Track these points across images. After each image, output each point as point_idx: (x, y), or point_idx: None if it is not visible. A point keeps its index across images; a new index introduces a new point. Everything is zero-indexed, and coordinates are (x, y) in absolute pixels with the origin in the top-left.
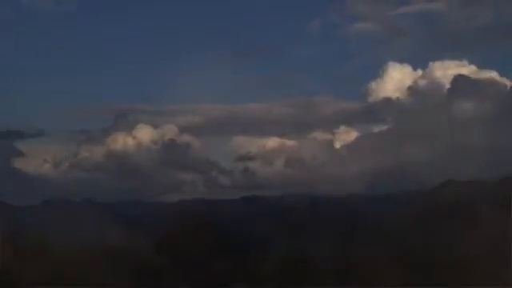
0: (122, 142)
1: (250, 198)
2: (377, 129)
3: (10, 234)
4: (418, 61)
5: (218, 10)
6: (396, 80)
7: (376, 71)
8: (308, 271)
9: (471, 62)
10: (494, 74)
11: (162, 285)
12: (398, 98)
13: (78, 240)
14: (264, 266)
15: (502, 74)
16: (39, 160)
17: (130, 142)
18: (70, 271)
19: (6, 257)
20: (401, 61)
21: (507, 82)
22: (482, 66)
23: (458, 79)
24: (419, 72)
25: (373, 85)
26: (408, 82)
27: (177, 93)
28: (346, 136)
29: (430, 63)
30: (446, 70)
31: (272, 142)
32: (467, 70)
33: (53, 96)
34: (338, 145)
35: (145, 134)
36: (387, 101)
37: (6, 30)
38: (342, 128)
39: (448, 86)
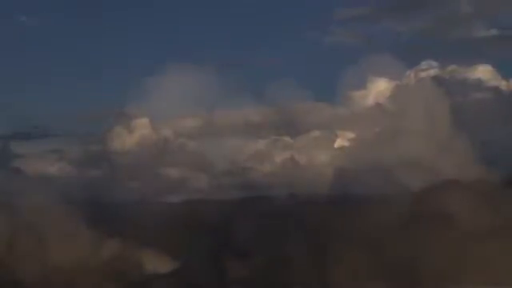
0: (122, 143)
1: (250, 198)
2: (367, 131)
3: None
4: (399, 70)
5: (208, 20)
6: (378, 87)
7: (358, 81)
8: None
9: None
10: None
11: None
12: (382, 104)
13: (78, 241)
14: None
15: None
16: (41, 160)
17: (131, 143)
18: (67, 274)
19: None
20: (382, 70)
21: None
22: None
23: (437, 80)
24: (401, 80)
25: (356, 93)
26: (390, 89)
27: (174, 96)
28: (341, 137)
29: (408, 71)
30: (425, 74)
31: (269, 144)
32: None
33: (53, 99)
34: (334, 145)
35: (145, 135)
36: (373, 107)
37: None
38: (337, 130)
39: (428, 87)
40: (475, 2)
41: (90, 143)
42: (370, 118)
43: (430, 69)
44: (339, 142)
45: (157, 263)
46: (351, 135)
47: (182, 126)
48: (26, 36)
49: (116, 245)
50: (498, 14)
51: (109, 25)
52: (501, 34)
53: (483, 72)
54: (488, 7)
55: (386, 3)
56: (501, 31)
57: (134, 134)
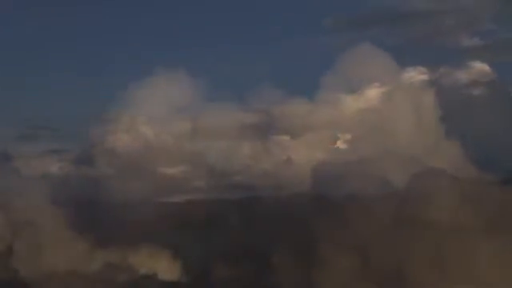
0: (121, 143)
1: (247, 198)
2: (360, 134)
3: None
4: (389, 75)
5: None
6: (370, 91)
7: (350, 86)
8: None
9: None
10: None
11: None
12: (374, 107)
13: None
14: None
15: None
16: (41, 160)
17: (130, 143)
18: (64, 276)
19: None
20: (372, 75)
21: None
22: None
23: (428, 82)
24: (391, 84)
25: (349, 97)
26: (381, 93)
27: (171, 98)
28: (335, 139)
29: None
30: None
31: (264, 145)
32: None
33: (53, 99)
34: (329, 147)
35: (143, 136)
36: (365, 110)
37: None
38: (330, 132)
39: (419, 90)
40: (457, 15)
41: (89, 143)
42: (363, 121)
43: (420, 74)
44: (334, 144)
45: (155, 264)
46: (345, 137)
47: (180, 127)
48: (26, 39)
49: (113, 246)
50: (479, 24)
51: (108, 28)
52: (484, 43)
53: (473, 71)
54: (469, 18)
55: (372, 14)
56: (483, 40)
57: (133, 134)
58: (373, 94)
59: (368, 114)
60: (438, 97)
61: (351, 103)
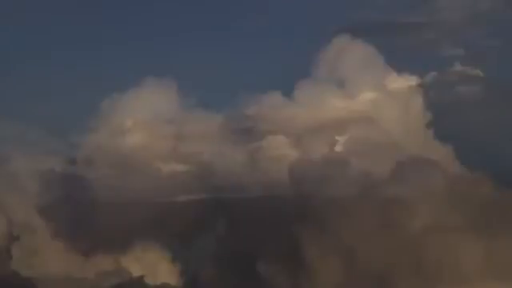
0: (121, 143)
1: (241, 199)
2: (355, 136)
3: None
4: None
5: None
6: (363, 96)
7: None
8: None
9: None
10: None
11: None
12: (368, 112)
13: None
14: None
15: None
16: (40, 160)
17: (130, 144)
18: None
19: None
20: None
21: None
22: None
23: (420, 86)
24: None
25: (344, 101)
26: (373, 98)
27: (170, 98)
28: (331, 141)
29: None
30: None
31: (261, 146)
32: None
33: (52, 99)
34: (326, 149)
35: (143, 136)
36: (359, 113)
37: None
38: (327, 134)
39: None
40: (436, 29)
41: (89, 143)
42: (358, 125)
43: (407, 81)
44: (329, 146)
45: (155, 264)
46: (342, 139)
47: (172, 130)
48: (27, 39)
49: (107, 249)
50: (460, 35)
51: (108, 34)
52: (467, 53)
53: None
54: (449, 31)
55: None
56: (466, 50)
57: (127, 136)
58: (362, 94)
59: (358, 115)
60: (427, 100)
61: (339, 104)
